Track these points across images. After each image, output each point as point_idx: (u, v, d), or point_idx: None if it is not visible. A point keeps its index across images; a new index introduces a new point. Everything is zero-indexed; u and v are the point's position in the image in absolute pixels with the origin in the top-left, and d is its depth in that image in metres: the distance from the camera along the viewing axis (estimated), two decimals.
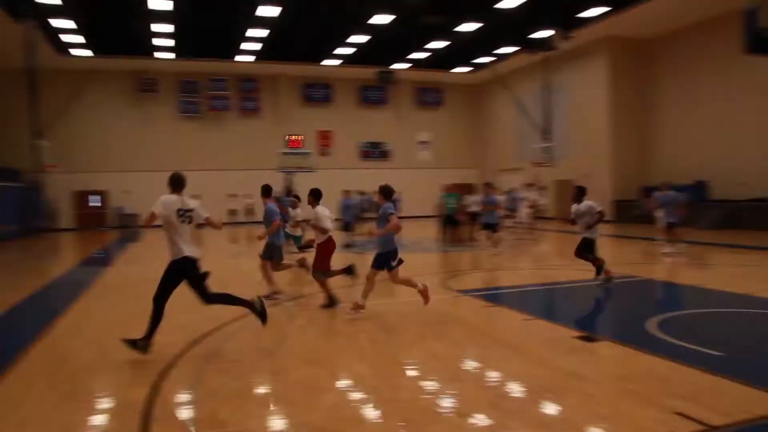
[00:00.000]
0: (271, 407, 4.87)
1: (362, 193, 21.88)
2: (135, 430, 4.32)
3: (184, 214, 6.32)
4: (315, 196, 9.27)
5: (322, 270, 8.88)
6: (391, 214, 7.99)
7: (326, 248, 8.90)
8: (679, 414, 4.38)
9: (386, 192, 8.44)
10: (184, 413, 4.71)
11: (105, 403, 5.04)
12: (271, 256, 9.83)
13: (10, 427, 4.45)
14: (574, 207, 10.48)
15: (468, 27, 25.33)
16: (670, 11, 23.68)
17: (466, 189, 25.32)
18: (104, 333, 7.56)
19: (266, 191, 9.95)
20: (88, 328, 7.92)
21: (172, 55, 29.17)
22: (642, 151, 27.71)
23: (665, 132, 26.92)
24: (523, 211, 19.43)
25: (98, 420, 4.67)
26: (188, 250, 6.25)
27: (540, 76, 30.33)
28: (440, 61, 31.62)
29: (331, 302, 8.83)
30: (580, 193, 10.53)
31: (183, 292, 7.73)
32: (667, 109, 26.84)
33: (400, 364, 5.98)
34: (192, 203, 6.47)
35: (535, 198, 20.85)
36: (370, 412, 4.68)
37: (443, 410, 4.65)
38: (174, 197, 6.36)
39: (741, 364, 5.77)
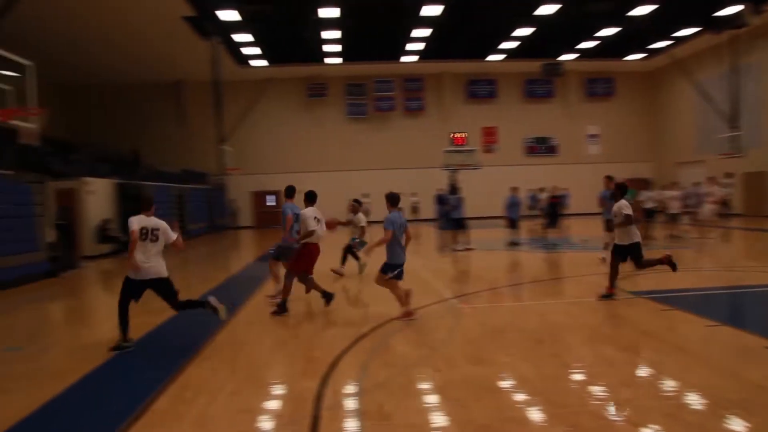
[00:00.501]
0: (435, 403, 4.92)
1: (531, 191, 21.46)
2: (307, 418, 4.57)
3: (148, 233, 6.67)
4: (308, 197, 9.25)
5: (296, 272, 8.75)
6: (386, 229, 7.67)
7: (308, 251, 8.76)
8: None
9: (392, 199, 8.06)
10: (352, 404, 4.91)
11: (279, 390, 5.40)
12: (279, 257, 9.77)
13: (199, 406, 4.92)
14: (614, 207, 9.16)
15: (642, 10, 23.72)
16: None
17: (641, 184, 23.83)
18: (278, 325, 8.10)
19: (288, 192, 9.84)
20: (264, 319, 8.51)
21: (339, 60, 30.54)
22: None
23: None
24: (707, 208, 17.85)
25: (274, 405, 5.03)
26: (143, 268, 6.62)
27: (726, 58, 27.68)
28: (611, 48, 29.95)
29: (326, 297, 8.87)
30: (619, 192, 9.25)
31: (344, 288, 8.10)
32: None
33: (567, 367, 5.78)
34: (159, 224, 6.80)
35: (720, 193, 19.03)
36: (536, 415, 4.57)
37: (614, 418, 4.42)
38: (140, 216, 6.75)
39: None
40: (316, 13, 22.58)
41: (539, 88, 35.47)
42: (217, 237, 28.16)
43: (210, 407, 4.86)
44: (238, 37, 25.71)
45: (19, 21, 13.06)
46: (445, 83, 34.91)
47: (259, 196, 34.78)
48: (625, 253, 8.99)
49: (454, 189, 18.17)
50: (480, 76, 34.99)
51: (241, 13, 22.39)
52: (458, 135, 30.32)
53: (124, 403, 5.15)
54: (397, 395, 5.00)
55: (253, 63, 30.16)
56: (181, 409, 4.85)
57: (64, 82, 31.01)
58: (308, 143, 34.41)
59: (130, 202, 19.29)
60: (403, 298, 7.85)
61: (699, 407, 4.65)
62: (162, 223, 6.82)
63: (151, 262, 6.65)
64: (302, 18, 23.54)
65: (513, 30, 26.25)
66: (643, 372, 5.64)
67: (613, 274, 9.01)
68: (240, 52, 28.16)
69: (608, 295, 8.94)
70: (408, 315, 7.83)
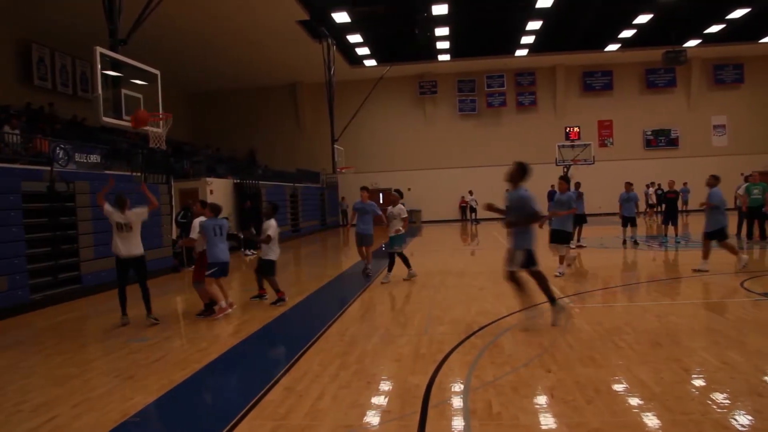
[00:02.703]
0: (545, 404, 4.83)
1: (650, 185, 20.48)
2: (415, 414, 4.61)
3: (121, 225, 8.55)
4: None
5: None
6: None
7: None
8: None
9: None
10: (460, 402, 4.90)
11: (388, 386, 5.46)
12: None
13: (310, 399, 5.09)
14: None
15: None
16: None
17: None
18: (387, 321, 8.25)
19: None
20: (373, 315, 8.69)
21: (449, 57, 30.48)
22: None
23: None
24: None
25: (382, 400, 5.09)
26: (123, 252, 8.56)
27: None
28: (741, 31, 27.87)
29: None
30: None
31: (457, 286, 8.10)
32: None
33: (688, 372, 5.46)
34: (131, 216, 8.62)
35: None
36: (652, 421, 4.36)
37: (740, 428, 4.15)
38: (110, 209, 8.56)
39: None
40: (425, 10, 22.68)
41: (660, 78, 33.73)
42: (329, 234, 28.97)
43: (320, 401, 5.02)
44: (349, 38, 26.33)
45: (147, 34, 14.06)
46: (559, 76, 33.98)
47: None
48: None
49: (577, 185, 17.68)
50: (595, 68, 33.76)
51: (351, 15, 22.90)
52: (573, 129, 29.45)
53: (239, 395, 5.47)
54: (506, 395, 4.95)
55: (365, 63, 30.75)
56: (292, 402, 5.03)
57: (188, 89, 33.14)
58: (418, 141, 34.63)
59: (246, 201, 20.35)
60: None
61: None
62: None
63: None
64: (412, 16, 23.74)
65: (631, 17, 25.10)
66: None
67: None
68: (352, 52, 28.83)
69: None
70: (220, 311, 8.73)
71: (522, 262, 7.26)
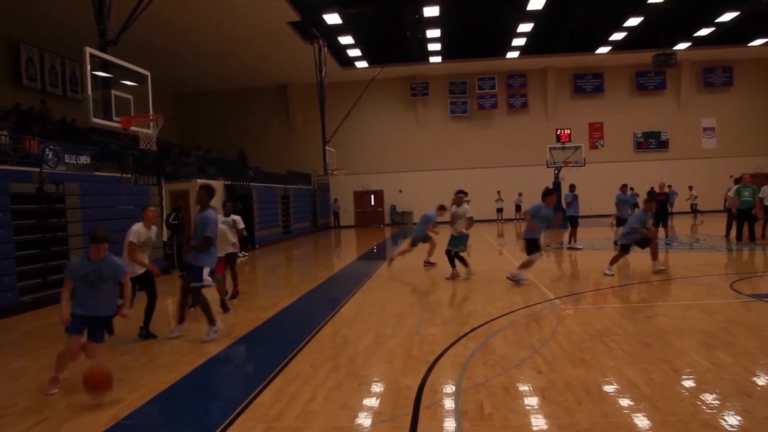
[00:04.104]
0: (536, 405, 4.84)
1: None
2: (406, 416, 4.62)
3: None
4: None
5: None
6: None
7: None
8: None
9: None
10: (452, 403, 4.90)
11: (379, 387, 5.46)
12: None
13: (302, 400, 5.08)
14: None
15: None
16: None
17: (762, 180, 22.27)
18: (379, 322, 8.23)
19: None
20: (365, 317, 8.68)
21: (440, 59, 30.54)
22: None
23: None
24: None
25: (373, 402, 5.09)
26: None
27: None
28: (730, 35, 28.08)
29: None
30: None
31: (449, 288, 8.13)
32: None
33: (678, 373, 5.49)
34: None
35: None
36: (642, 422, 4.38)
37: (729, 428, 4.18)
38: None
39: None
40: (416, 12, 22.73)
41: (650, 81, 33.93)
42: (320, 236, 28.94)
43: (311, 403, 5.01)
44: (340, 40, 26.34)
45: (137, 35, 14.02)
46: (549, 78, 34.12)
47: (361, 196, 35.40)
48: None
49: (571, 186, 17.78)
50: (586, 70, 33.92)
51: (342, 16, 22.90)
52: (564, 131, 29.58)
53: (230, 396, 5.46)
54: (497, 396, 4.96)
55: (356, 64, 30.75)
56: (284, 403, 5.02)
57: (178, 90, 33.06)
58: (410, 142, 34.67)
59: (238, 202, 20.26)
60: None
61: None
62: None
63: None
64: (403, 18, 23.78)
65: (621, 20, 25.24)
66: (762, 380, 5.28)
67: None
68: (343, 54, 28.84)
69: None
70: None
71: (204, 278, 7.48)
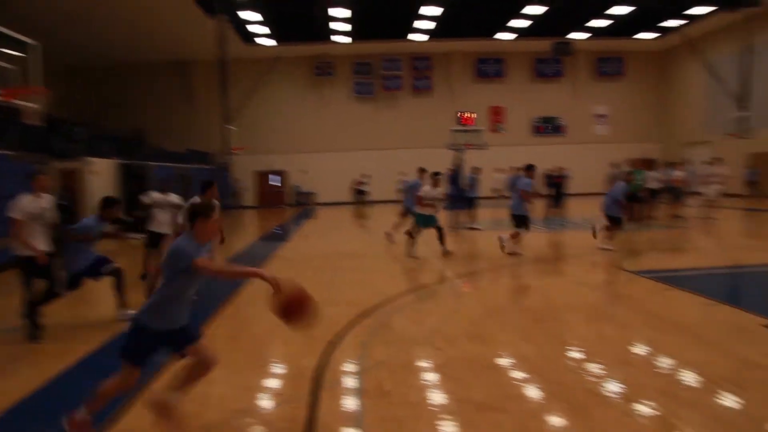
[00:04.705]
0: (435, 381, 5.00)
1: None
2: (306, 396, 4.65)
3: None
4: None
5: None
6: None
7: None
8: None
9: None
10: (352, 382, 4.98)
11: (279, 369, 5.46)
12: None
13: (200, 384, 4.97)
14: None
15: None
16: None
17: (647, 164, 23.78)
18: None
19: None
20: (266, 298, 8.52)
21: (347, 39, 30.37)
22: None
23: None
24: (712, 188, 17.80)
25: (273, 384, 5.09)
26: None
27: (739, 38, 27.35)
28: (622, 27, 29.62)
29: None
30: None
31: (351, 268, 8.20)
32: None
33: (567, 345, 5.84)
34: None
35: (725, 173, 18.92)
36: (533, 392, 4.64)
37: (610, 395, 4.49)
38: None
39: None
40: None
41: (548, 68, 35.22)
42: (221, 217, 28.26)
43: (210, 386, 4.88)
44: (244, 15, 25.61)
45: (24, 2, 13.08)
46: (454, 62, 34.71)
47: (264, 176, 34.84)
48: None
49: (473, 169, 18.26)
50: (489, 55, 34.76)
51: None
52: (466, 114, 30.23)
53: None
54: (396, 373, 5.08)
55: (260, 41, 30.02)
56: None
57: (69, 62, 31.07)
58: (314, 123, 34.38)
59: (134, 182, 19.46)
60: None
61: (693, 384, 4.70)
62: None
63: None
64: None
65: (523, 8, 26.00)
66: (640, 350, 5.69)
67: None
68: (247, 30, 28.06)
69: None
70: None
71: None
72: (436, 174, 12.22)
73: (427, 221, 11.89)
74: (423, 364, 5.40)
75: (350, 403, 4.50)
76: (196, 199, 6.90)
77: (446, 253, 11.72)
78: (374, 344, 5.99)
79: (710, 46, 30.35)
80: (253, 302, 8.28)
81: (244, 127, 30.81)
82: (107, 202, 7.32)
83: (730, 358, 5.24)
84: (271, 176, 34.60)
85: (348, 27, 27.91)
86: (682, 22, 28.98)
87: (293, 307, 3.98)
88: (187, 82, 33.88)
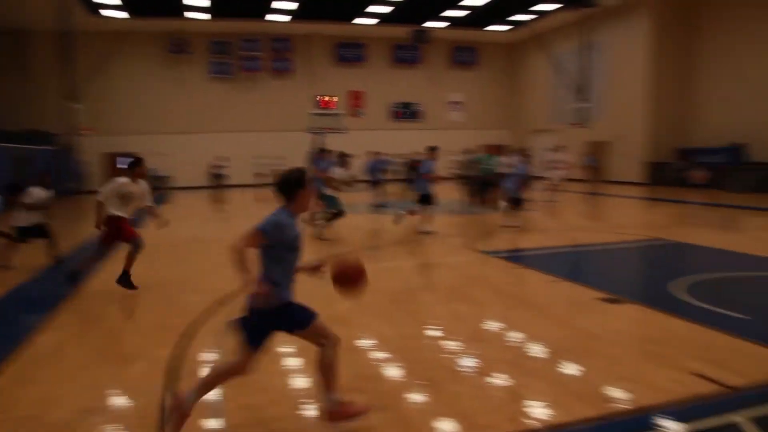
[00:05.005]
0: (296, 366, 5.00)
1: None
2: (160, 389, 4.46)
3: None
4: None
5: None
6: None
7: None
8: (698, 375, 4.41)
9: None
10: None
11: (132, 362, 5.17)
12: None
13: (44, 383, 4.64)
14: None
15: None
16: None
17: (497, 150, 25.13)
18: (134, 294, 7.69)
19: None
20: (115, 289, 8.03)
21: (205, 16, 29.15)
22: (680, 112, 26.95)
23: (705, 93, 26.12)
24: (556, 173, 19.22)
25: (125, 378, 4.80)
26: None
27: (579, 35, 29.57)
28: (477, 19, 30.95)
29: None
30: None
31: (210, 252, 7.97)
32: (708, 70, 25.98)
33: (425, 324, 6.07)
34: None
35: (568, 159, 20.54)
36: (392, 371, 4.78)
37: (465, 370, 4.73)
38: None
39: (765, 327, 5.73)
40: None
41: (406, 54, 35.98)
42: (65, 202, 26.26)
43: (55, 386, 4.57)
44: None
45: None
46: (315, 45, 34.46)
47: (114, 158, 32.71)
48: None
49: (339, 154, 18.24)
50: (350, 39, 34.88)
51: None
52: (326, 98, 30.25)
53: None
54: (258, 360, 5.00)
55: (109, 13, 27.91)
56: (20, 391, 4.51)
57: None
58: (169, 103, 32.71)
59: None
60: None
61: (539, 355, 5.07)
62: None
63: None
64: None
65: None
66: (492, 326, 6.05)
67: None
68: (92, 0, 26.02)
69: None
70: None
71: None
72: (344, 155, 12.26)
73: (331, 202, 11.94)
74: (282, 349, 5.35)
75: (210, 394, 4.38)
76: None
77: (323, 238, 11.79)
78: (233, 332, 5.85)
79: (555, 41, 32.55)
80: (100, 294, 7.76)
81: (92, 106, 28.67)
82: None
83: (572, 329, 5.70)
84: (120, 159, 32.47)
85: (206, 2, 26.76)
86: (531, 17, 30.83)
87: (349, 276, 3.98)
88: (23, 54, 30.82)
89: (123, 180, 7.54)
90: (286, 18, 29.91)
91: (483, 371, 4.67)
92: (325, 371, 3.89)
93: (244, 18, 30.04)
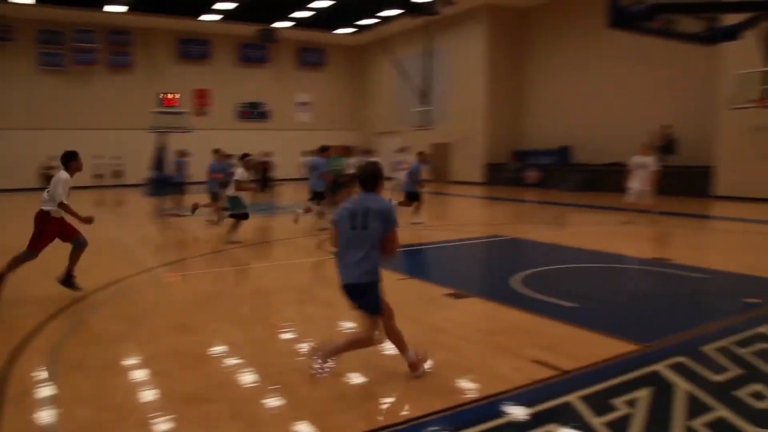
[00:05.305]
0: (140, 378, 4.69)
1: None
2: None
3: None
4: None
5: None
6: None
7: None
8: (537, 362, 4.71)
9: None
10: (44, 390, 4.42)
11: None
12: None
13: None
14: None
15: None
16: None
17: (345, 151, 25.41)
18: None
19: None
20: None
21: (28, 0, 26.59)
22: (515, 117, 28.97)
23: (536, 99, 28.30)
24: (401, 174, 19.77)
25: None
26: None
27: (421, 41, 30.69)
28: (323, 21, 31.11)
29: None
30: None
31: (42, 260, 7.30)
32: (537, 78, 28.18)
33: (276, 328, 5.97)
34: None
35: (412, 161, 21.30)
36: (244, 377, 4.63)
37: (318, 371, 4.70)
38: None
39: (592, 314, 6.28)
40: None
41: (253, 53, 35.36)
42: None
43: None
44: None
45: None
46: (156, 40, 32.76)
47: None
48: None
49: (182, 153, 17.46)
50: (194, 35, 33.59)
51: None
52: (169, 96, 28.92)
53: None
54: (96, 375, 4.64)
55: None
56: None
57: None
58: None
59: None
60: None
61: (391, 352, 5.07)
62: None
63: None
64: None
65: None
66: (343, 326, 6.06)
67: None
68: None
69: None
70: None
71: None
72: (245, 156, 12.21)
73: (234, 204, 11.56)
74: (126, 362, 5.03)
75: (43, 415, 3.99)
76: None
77: (231, 242, 11.24)
78: (70, 345, 5.42)
79: (399, 45, 33.51)
80: None
81: None
82: None
83: (420, 325, 5.87)
84: None
85: None
86: (376, 21, 31.54)
87: None
88: None
89: None
90: (123, 9, 28.10)
91: (336, 372, 4.66)
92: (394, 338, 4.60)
93: (78, 6, 27.80)
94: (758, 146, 18.62)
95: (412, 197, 13.90)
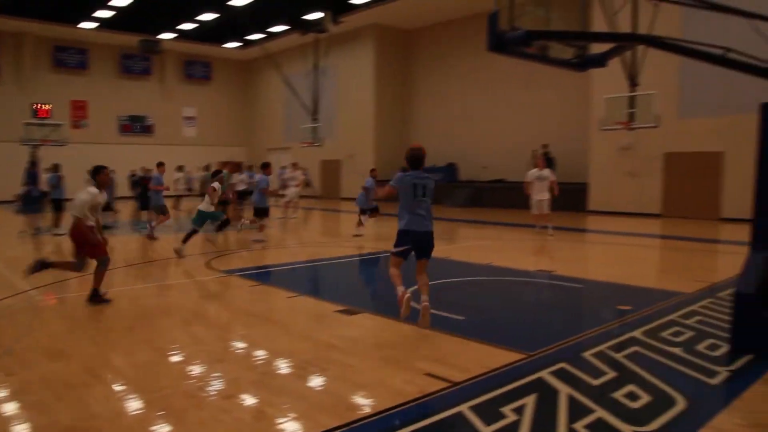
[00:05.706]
0: (11, 411, 4.32)
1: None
2: None
3: None
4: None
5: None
6: None
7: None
8: (429, 374, 4.80)
9: None
10: None
11: None
12: None
13: None
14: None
15: (240, 1, 24.70)
16: (428, 6, 25.50)
17: (235, 167, 24.91)
18: None
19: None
20: None
21: None
22: (402, 134, 29.61)
23: (423, 117, 29.09)
24: (292, 191, 19.65)
25: None
26: None
27: (311, 57, 30.71)
28: (210, 34, 30.46)
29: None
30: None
31: None
32: (424, 96, 29.02)
33: (161, 351, 5.69)
34: None
35: (303, 177, 21.30)
36: (128, 405, 4.37)
37: (207, 394, 4.53)
38: None
39: (479, 326, 6.49)
40: None
41: (136, 65, 34.04)
42: None
43: None
44: None
45: None
46: (27, 46, 30.65)
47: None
48: None
49: (55, 167, 16.35)
50: (70, 43, 31.81)
51: None
52: (42, 106, 27.16)
53: None
54: None
55: None
56: None
57: None
58: None
59: None
60: None
61: (283, 371, 5.08)
62: None
63: None
64: None
65: None
66: (233, 346, 5.91)
67: None
68: None
69: None
70: None
71: None
72: (219, 171, 12.98)
73: (213, 218, 12.14)
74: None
75: None
76: None
77: (179, 253, 11.39)
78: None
79: (288, 61, 33.36)
80: None
81: None
82: None
83: (312, 343, 5.81)
84: None
85: None
86: (263, 36, 31.24)
87: None
88: None
89: None
90: None
91: (226, 393, 4.52)
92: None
93: None
94: (624, 165, 20.18)
95: (260, 213, 13.96)
